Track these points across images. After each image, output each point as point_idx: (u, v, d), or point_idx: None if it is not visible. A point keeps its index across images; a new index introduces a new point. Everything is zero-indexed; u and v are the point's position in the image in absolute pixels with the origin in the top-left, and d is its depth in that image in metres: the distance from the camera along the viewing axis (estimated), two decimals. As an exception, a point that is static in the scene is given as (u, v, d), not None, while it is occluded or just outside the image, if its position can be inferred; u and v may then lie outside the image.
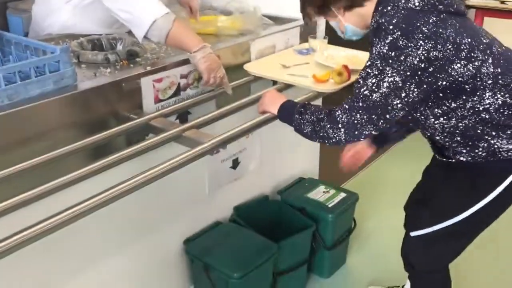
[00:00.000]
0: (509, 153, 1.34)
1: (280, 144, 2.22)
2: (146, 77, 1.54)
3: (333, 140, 1.35)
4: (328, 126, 1.34)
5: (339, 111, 1.33)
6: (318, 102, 2.32)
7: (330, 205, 2.10)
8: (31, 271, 1.38)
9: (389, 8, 1.27)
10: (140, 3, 1.60)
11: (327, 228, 2.07)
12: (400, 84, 1.25)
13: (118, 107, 1.49)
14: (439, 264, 1.62)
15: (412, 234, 1.58)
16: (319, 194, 2.18)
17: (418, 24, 1.22)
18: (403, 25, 1.22)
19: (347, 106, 1.32)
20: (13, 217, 1.09)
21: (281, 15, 2.26)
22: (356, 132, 1.32)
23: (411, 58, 1.22)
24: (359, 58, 1.90)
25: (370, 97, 1.27)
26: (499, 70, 1.29)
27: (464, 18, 1.31)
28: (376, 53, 1.26)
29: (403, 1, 1.26)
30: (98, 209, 1.12)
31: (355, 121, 1.30)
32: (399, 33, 1.22)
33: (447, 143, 1.42)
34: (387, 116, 1.29)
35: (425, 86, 1.27)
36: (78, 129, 1.39)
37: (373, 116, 1.29)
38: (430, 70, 1.24)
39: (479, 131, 1.34)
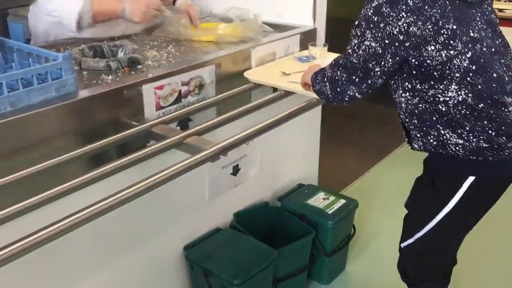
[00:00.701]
0: (457, 147, 1.32)
1: (280, 150, 2.23)
2: (147, 84, 1.55)
3: (323, 96, 1.48)
4: (321, 80, 1.47)
5: (327, 66, 1.46)
6: (318, 111, 2.34)
7: (329, 212, 2.10)
8: (28, 279, 1.38)
9: None
10: (62, 5, 1.80)
11: (327, 235, 2.08)
12: (379, 51, 1.28)
13: (119, 114, 1.50)
14: (431, 272, 1.61)
15: (402, 245, 1.61)
16: (318, 200, 2.19)
17: None
18: None
19: (333, 62, 1.43)
20: (14, 224, 1.10)
21: (281, 23, 2.27)
22: (339, 89, 1.40)
23: (390, 27, 1.24)
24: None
25: (350, 57, 1.35)
26: (472, 67, 1.26)
27: (467, 5, 1.28)
28: (363, 14, 1.30)
29: None
30: (98, 216, 1.13)
31: (336, 77, 1.40)
32: (384, 0, 1.24)
33: (407, 124, 1.43)
34: (368, 81, 1.35)
35: (397, 58, 1.29)
36: (79, 136, 1.40)
37: (353, 77, 1.36)
38: (406, 44, 1.26)
39: (434, 118, 1.34)
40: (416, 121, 1.39)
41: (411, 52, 1.27)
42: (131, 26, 2.11)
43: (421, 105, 1.35)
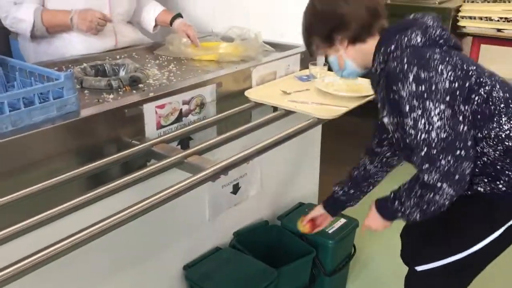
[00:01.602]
0: None
1: (280, 169, 2.22)
2: (148, 103, 1.55)
3: (445, 201, 1.23)
4: (431, 194, 1.23)
5: (426, 175, 1.21)
6: (318, 130, 2.34)
7: (330, 231, 2.09)
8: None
9: (393, 47, 1.28)
10: (16, 20, 1.95)
11: (327, 254, 2.06)
12: (450, 111, 1.20)
13: (120, 133, 1.50)
14: None
15: (419, 268, 1.49)
16: (319, 219, 2.17)
17: (428, 55, 1.23)
18: (415, 60, 1.22)
19: (427, 164, 1.20)
20: (14, 244, 1.09)
21: (281, 42, 2.29)
22: (458, 176, 1.19)
23: (441, 84, 1.20)
24: (358, 85, 1.92)
25: (432, 137, 1.19)
26: (507, 95, 1.29)
27: (461, 53, 1.33)
28: (407, 96, 1.21)
29: (406, 40, 1.27)
30: (99, 237, 1.12)
31: (445, 168, 1.19)
32: (416, 68, 1.21)
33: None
34: (469, 143, 1.21)
35: (471, 102, 1.25)
36: (80, 155, 1.40)
37: (457, 152, 1.19)
38: (467, 85, 1.24)
39: (498, 166, 1.30)
40: (477, 176, 1.32)
41: (469, 94, 1.25)
42: (122, 38, 2.15)
43: (479, 162, 1.29)
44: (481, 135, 1.28)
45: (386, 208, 1.39)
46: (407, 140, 1.26)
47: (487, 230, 1.36)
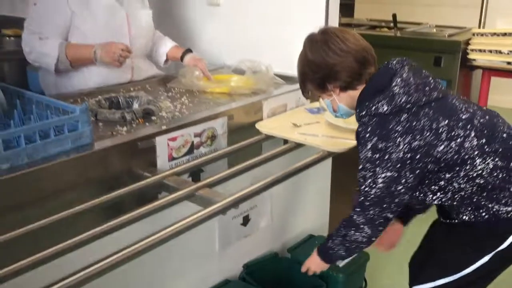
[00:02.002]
0: (509, 214, 1.40)
1: (290, 201, 2.22)
2: (161, 136, 1.58)
3: (365, 240, 1.45)
4: (353, 232, 1.45)
5: (355, 215, 1.44)
6: (328, 161, 2.35)
7: (340, 265, 2.07)
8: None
9: (363, 113, 1.39)
10: (40, 55, 2.01)
11: (338, 288, 2.04)
12: (395, 175, 1.35)
13: (132, 165, 1.52)
14: None
15: None
16: (329, 252, 2.16)
17: (391, 126, 1.34)
18: (378, 131, 1.35)
19: (358, 209, 1.43)
20: (26, 276, 1.10)
21: (292, 74, 2.31)
22: (377, 223, 1.41)
23: (395, 154, 1.33)
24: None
25: (371, 193, 1.38)
26: (483, 141, 1.37)
27: (440, 102, 1.38)
28: (363, 158, 1.39)
29: (373, 108, 1.37)
30: (111, 270, 1.13)
31: (371, 216, 1.41)
32: (376, 138, 1.35)
33: (449, 208, 1.49)
34: (396, 200, 1.39)
35: (418, 171, 1.36)
36: (93, 187, 1.42)
37: (384, 205, 1.39)
38: (417, 157, 1.34)
39: (475, 200, 1.41)
40: (460, 207, 1.44)
41: (425, 160, 1.35)
42: (138, 72, 2.20)
43: (457, 196, 1.42)
44: (449, 175, 1.39)
45: (322, 248, 1.60)
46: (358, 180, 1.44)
47: (476, 255, 1.46)
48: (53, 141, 1.35)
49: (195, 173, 1.71)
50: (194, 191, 1.46)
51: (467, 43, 3.32)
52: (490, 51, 3.19)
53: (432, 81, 1.41)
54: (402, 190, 1.37)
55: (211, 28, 2.66)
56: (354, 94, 1.46)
